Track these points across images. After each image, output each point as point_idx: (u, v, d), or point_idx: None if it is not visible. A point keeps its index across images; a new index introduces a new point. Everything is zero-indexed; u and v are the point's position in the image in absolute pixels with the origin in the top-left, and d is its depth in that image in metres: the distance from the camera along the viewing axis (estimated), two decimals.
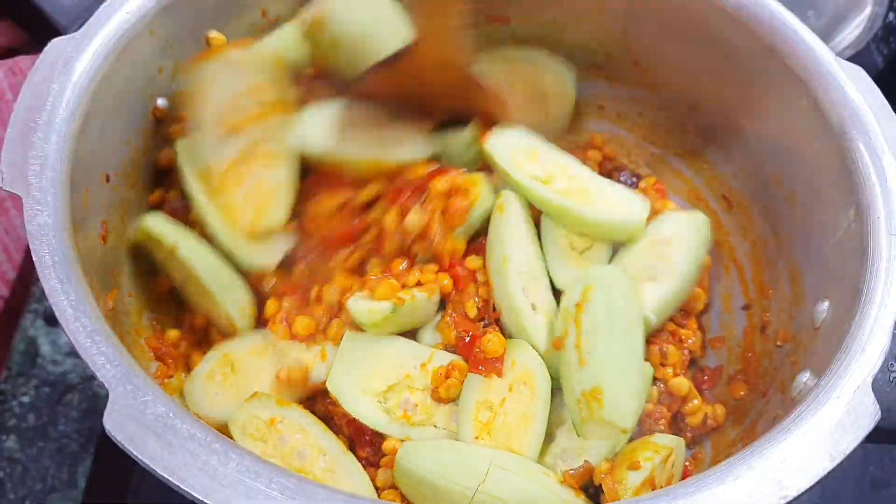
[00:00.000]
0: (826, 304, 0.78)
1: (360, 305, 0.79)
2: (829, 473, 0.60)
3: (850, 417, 0.62)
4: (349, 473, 0.74)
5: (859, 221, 0.75)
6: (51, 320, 1.06)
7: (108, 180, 0.78)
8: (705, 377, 0.92)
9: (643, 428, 0.84)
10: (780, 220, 0.90)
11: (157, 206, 0.87)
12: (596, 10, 0.97)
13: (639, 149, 1.08)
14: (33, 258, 0.61)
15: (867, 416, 0.63)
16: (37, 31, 0.85)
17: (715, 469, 0.60)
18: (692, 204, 1.03)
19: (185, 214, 0.86)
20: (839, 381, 0.64)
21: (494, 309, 0.85)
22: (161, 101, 0.85)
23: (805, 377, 0.74)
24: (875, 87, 0.81)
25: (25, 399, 1.04)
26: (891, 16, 1.55)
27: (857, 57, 1.32)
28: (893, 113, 0.79)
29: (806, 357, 0.78)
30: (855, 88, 0.80)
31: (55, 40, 0.74)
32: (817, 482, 0.60)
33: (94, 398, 0.96)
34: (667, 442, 0.80)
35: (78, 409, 1.04)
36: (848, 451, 0.61)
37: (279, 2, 0.93)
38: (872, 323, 0.68)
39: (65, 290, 0.60)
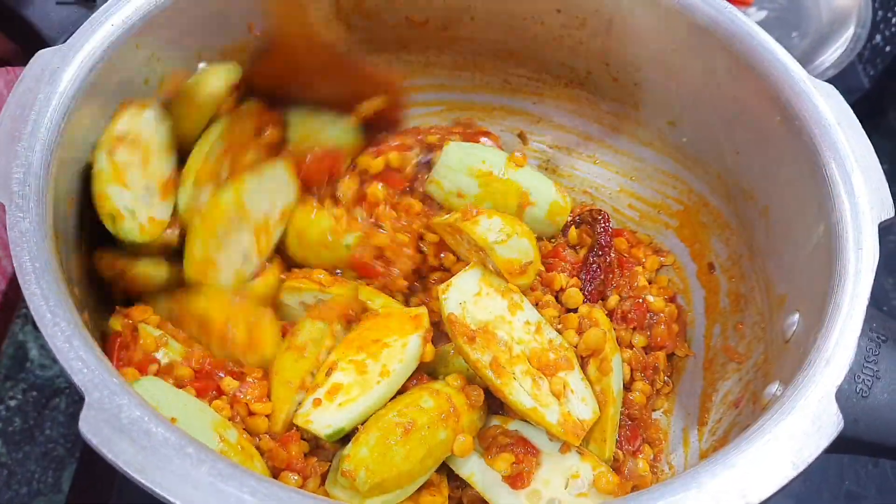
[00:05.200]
0: (797, 316, 0.79)
1: None
2: (801, 484, 0.61)
3: (814, 427, 0.64)
4: None
5: (828, 236, 0.76)
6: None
7: None
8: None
9: None
10: (754, 235, 0.92)
11: None
12: (577, 27, 0.99)
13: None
14: (14, 264, 0.62)
15: (830, 425, 0.64)
16: (27, 43, 0.86)
17: (679, 477, 0.61)
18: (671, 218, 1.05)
19: None
20: (804, 391, 0.66)
21: None
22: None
23: (774, 388, 0.76)
24: (846, 105, 0.83)
25: (13, 403, 1.05)
26: (877, 37, 1.57)
27: (844, 77, 1.34)
28: (863, 131, 0.81)
29: (776, 369, 0.79)
30: (827, 106, 0.82)
31: (42, 51, 0.75)
32: (779, 490, 0.61)
33: (81, 403, 0.98)
34: None
35: (65, 414, 1.05)
36: (810, 460, 0.62)
37: (265, 18, 0.94)
38: (838, 335, 0.69)
39: (44, 295, 0.61)
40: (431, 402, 0.78)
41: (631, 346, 0.92)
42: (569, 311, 0.91)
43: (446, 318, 0.80)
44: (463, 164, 0.94)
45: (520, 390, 0.78)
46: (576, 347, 0.85)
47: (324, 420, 0.76)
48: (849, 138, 0.80)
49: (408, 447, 0.74)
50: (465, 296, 0.82)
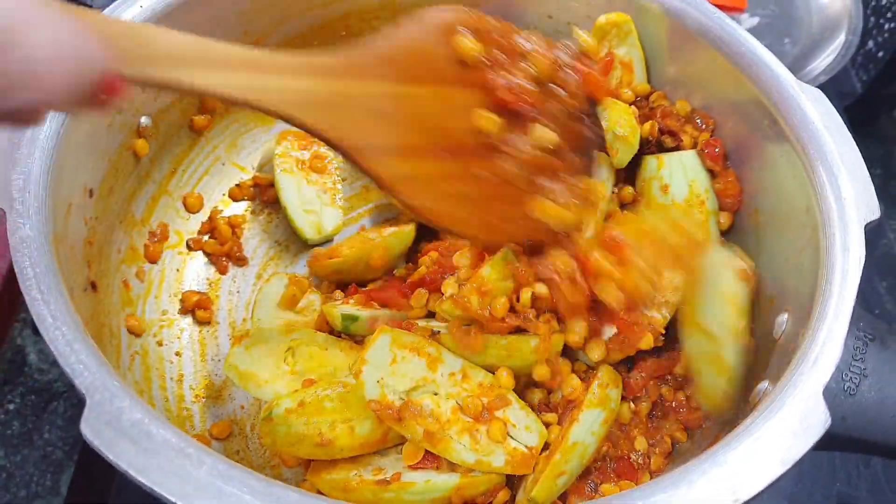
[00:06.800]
0: (785, 316, 0.80)
1: None
2: (793, 484, 0.61)
3: (802, 425, 0.65)
4: None
5: (816, 237, 0.77)
6: (38, 329, 1.07)
7: (91, 195, 0.80)
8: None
9: None
10: (744, 237, 0.93)
11: None
12: (569, 33, 1.00)
13: None
14: (15, 269, 0.63)
15: (818, 423, 0.65)
16: None
17: (669, 474, 0.62)
18: None
19: None
20: (792, 389, 0.67)
21: None
22: (144, 120, 0.88)
23: (763, 386, 0.77)
24: (833, 109, 0.84)
25: (11, 406, 1.05)
26: (870, 43, 1.58)
27: (836, 82, 1.35)
28: (849, 135, 0.82)
29: (765, 367, 0.81)
30: (815, 110, 0.83)
31: None
32: (768, 486, 0.62)
33: (79, 407, 0.98)
34: None
35: (63, 418, 1.06)
36: (799, 457, 0.63)
37: (260, 21, 0.96)
38: (825, 334, 0.70)
39: (45, 300, 0.63)
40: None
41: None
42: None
43: (370, 407, 0.77)
44: None
45: (461, 450, 0.77)
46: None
47: None
48: (836, 142, 0.81)
49: None
50: (380, 371, 0.77)
